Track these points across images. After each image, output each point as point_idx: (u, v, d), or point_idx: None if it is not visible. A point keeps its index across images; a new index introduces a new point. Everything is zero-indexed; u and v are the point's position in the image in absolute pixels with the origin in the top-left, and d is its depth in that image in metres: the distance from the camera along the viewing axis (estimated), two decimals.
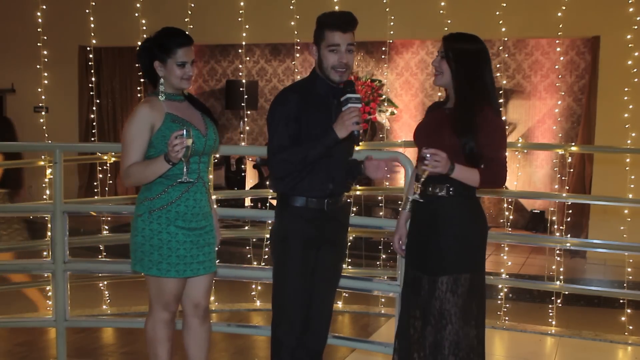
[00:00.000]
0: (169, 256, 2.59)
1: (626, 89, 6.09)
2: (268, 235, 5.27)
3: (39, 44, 6.45)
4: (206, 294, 2.80)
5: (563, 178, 7.27)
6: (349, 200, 2.82)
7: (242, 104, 7.00)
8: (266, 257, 5.66)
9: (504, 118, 7.91)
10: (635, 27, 5.93)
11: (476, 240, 2.59)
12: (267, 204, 6.95)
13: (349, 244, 5.43)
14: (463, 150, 2.46)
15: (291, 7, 6.17)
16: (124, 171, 2.57)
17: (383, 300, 5.10)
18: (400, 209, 2.81)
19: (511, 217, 5.91)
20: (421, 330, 2.57)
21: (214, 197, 3.19)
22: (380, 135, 8.75)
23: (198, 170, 2.66)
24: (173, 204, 2.60)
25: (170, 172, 2.56)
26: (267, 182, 8.48)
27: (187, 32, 2.65)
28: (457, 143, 2.47)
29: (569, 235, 5.95)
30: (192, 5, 6.31)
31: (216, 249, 2.89)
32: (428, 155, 2.40)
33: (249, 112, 9.70)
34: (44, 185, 5.72)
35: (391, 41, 8.19)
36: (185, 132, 2.39)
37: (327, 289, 2.79)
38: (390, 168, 2.70)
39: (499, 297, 5.01)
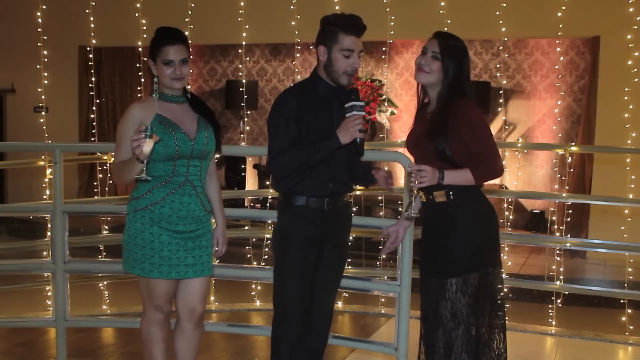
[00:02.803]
0: (152, 256, 2.58)
1: (626, 89, 6.09)
2: (269, 235, 5.32)
3: (39, 44, 6.45)
4: (202, 299, 2.76)
5: (563, 178, 7.27)
6: (350, 201, 2.82)
7: (242, 104, 7.00)
8: (266, 257, 5.67)
9: (503, 118, 7.94)
10: (635, 27, 5.94)
11: (484, 239, 2.58)
12: (268, 204, 6.95)
13: (349, 244, 5.44)
14: (436, 153, 2.48)
15: (291, 7, 6.17)
16: (111, 168, 2.59)
17: (383, 300, 5.10)
18: (402, 211, 2.83)
19: (511, 217, 5.91)
20: (432, 332, 2.58)
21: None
22: (380, 135, 8.75)
23: (186, 174, 2.62)
24: (157, 205, 2.58)
25: (155, 172, 2.55)
26: (267, 182, 8.47)
27: (180, 31, 2.61)
28: (451, 148, 2.48)
29: (569, 235, 5.94)
30: (192, 5, 6.31)
31: (219, 254, 2.86)
32: (413, 172, 2.41)
33: (249, 112, 9.70)
34: (44, 185, 5.73)
35: (391, 41, 8.19)
36: (148, 130, 2.33)
37: (327, 289, 2.79)
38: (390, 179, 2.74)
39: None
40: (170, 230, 2.59)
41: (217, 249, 2.83)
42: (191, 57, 2.67)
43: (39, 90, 6.30)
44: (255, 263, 5.69)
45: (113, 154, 4.68)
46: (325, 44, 2.60)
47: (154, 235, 2.58)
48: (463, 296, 2.51)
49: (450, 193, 2.52)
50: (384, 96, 8.78)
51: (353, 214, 2.96)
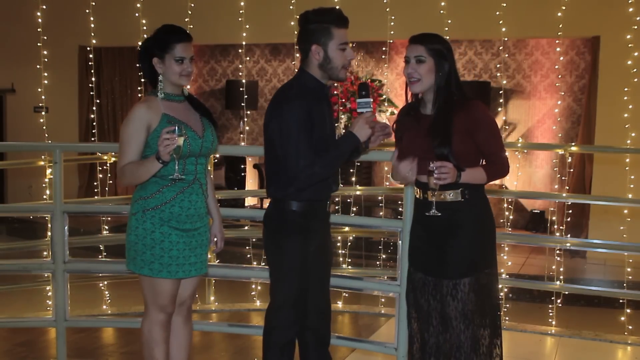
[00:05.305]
0: (162, 256, 2.58)
1: (626, 89, 6.09)
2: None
3: (39, 44, 6.45)
4: (193, 293, 2.82)
5: (563, 178, 7.28)
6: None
7: (242, 104, 7.00)
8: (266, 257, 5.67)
9: (503, 118, 7.94)
10: (635, 27, 5.94)
11: (490, 238, 2.62)
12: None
13: (349, 244, 5.44)
14: (441, 156, 2.44)
15: (291, 7, 6.16)
16: (119, 170, 2.56)
17: (383, 300, 5.10)
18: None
19: (511, 217, 5.91)
20: (438, 334, 2.57)
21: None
22: None
23: (195, 172, 2.64)
24: (167, 205, 2.58)
25: (165, 172, 2.54)
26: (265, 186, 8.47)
27: (186, 30, 2.64)
28: (457, 148, 2.45)
29: (569, 235, 5.95)
30: (192, 5, 6.31)
31: (217, 251, 2.90)
32: (435, 169, 2.38)
33: (249, 112, 9.70)
34: (44, 185, 5.73)
35: (391, 41, 8.19)
36: (176, 130, 2.37)
37: (322, 285, 2.79)
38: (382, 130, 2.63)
39: (499, 297, 5.00)
40: (178, 230, 2.60)
41: (217, 245, 2.86)
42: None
43: (39, 90, 6.30)
44: (255, 263, 5.68)
45: (114, 153, 4.73)
46: (318, 42, 2.54)
47: (164, 235, 2.58)
48: (475, 295, 2.51)
49: (466, 192, 2.52)
50: (384, 96, 8.79)
51: (353, 214, 2.97)
